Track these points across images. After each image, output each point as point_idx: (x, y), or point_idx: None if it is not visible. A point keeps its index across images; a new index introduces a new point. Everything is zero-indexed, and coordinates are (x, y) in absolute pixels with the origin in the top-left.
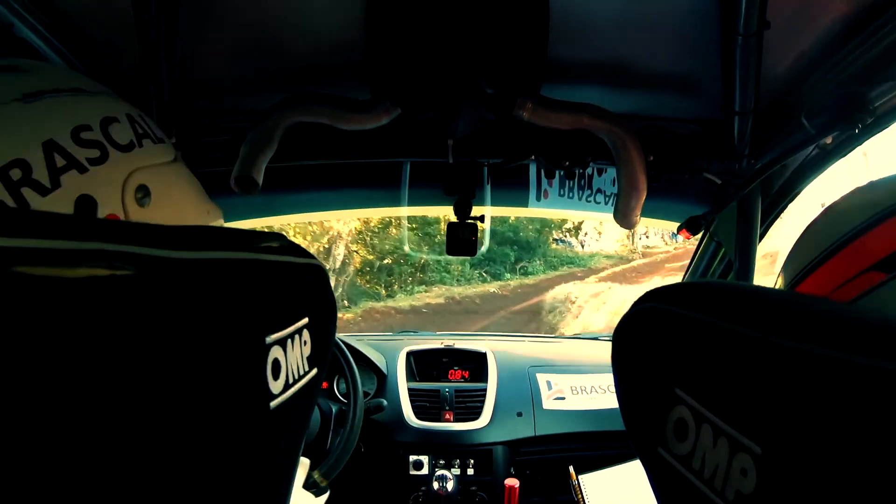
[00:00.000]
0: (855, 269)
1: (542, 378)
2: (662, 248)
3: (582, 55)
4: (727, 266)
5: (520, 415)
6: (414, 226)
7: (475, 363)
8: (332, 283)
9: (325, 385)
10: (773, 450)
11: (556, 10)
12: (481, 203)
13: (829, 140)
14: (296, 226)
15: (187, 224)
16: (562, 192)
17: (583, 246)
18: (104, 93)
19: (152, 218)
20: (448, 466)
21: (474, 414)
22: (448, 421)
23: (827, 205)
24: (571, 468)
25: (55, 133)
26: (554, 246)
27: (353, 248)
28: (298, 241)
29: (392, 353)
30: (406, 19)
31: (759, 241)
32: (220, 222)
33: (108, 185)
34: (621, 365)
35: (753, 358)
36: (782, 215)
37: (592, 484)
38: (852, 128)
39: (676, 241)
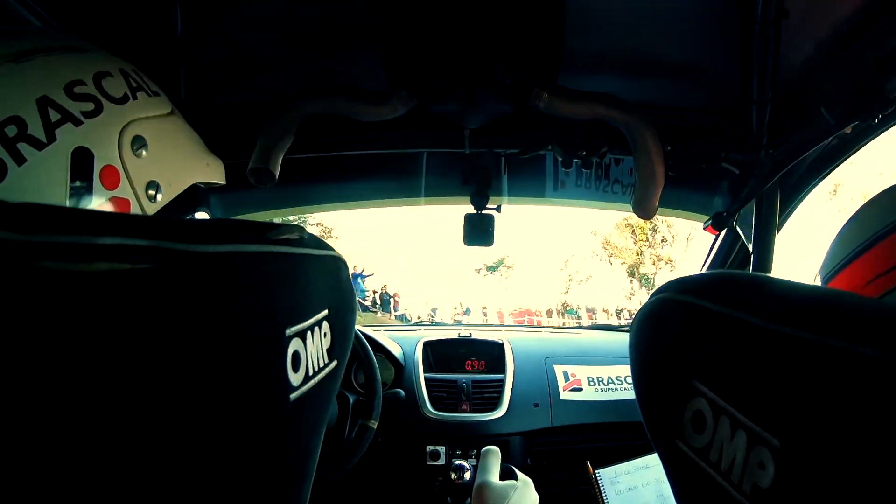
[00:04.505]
0: (891, 263)
1: (558, 369)
2: None
3: (599, 45)
4: (745, 256)
5: (536, 405)
6: None
7: (492, 354)
8: None
9: None
10: (791, 444)
11: None
12: (498, 194)
13: (848, 129)
14: None
15: (186, 174)
16: (578, 182)
17: None
18: (95, 50)
19: (149, 168)
20: (465, 457)
21: (491, 405)
22: (465, 411)
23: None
24: (589, 462)
25: (48, 89)
26: None
27: None
28: None
29: (409, 344)
30: (423, 8)
31: (778, 231)
32: (221, 174)
33: (103, 138)
34: (639, 355)
35: (771, 350)
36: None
37: (610, 478)
38: (871, 118)
39: None
